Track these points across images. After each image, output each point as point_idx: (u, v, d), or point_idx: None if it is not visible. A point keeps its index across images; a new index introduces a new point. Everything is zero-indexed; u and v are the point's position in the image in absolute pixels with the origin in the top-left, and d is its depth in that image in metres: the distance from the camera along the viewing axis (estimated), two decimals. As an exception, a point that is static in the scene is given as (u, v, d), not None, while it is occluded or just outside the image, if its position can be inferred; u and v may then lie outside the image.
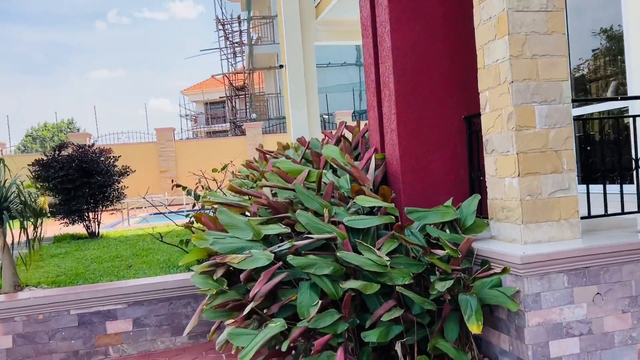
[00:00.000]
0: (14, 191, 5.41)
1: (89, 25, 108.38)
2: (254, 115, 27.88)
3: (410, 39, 4.01)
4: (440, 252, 3.26)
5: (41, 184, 9.91)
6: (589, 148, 4.20)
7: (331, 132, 5.15)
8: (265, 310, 3.26)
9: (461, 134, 4.06)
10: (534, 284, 3.08)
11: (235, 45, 28.60)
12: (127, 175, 10.93)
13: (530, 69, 3.29)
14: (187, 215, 6.03)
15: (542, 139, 3.31)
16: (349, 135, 5.05)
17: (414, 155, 3.99)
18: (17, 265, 5.62)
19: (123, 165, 11.00)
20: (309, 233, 3.43)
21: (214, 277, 3.36)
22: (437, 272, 3.26)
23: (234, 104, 30.47)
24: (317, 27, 10.90)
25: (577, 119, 3.83)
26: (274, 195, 4.07)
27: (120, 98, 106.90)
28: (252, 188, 4.67)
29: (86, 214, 10.27)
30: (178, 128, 31.66)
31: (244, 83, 29.61)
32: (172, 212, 6.99)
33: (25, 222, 5.30)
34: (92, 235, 10.29)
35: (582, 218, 3.46)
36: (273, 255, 3.26)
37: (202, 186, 6.51)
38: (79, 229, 10.56)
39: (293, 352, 3.41)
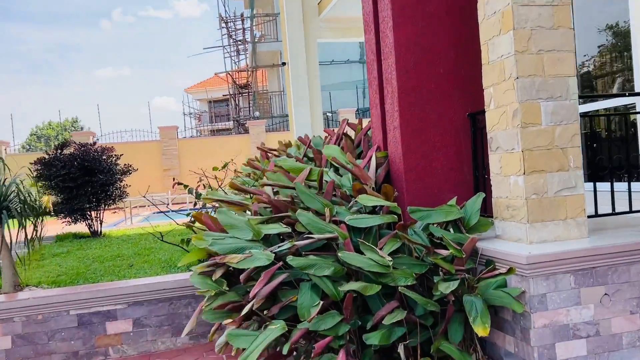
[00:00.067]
0: (14, 190, 5.37)
1: (94, 24, 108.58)
2: (257, 113, 27.85)
3: (413, 34, 3.94)
4: (443, 252, 3.19)
5: (43, 182, 9.89)
6: (595, 145, 4.13)
7: (334, 130, 5.09)
8: (265, 312, 3.20)
9: (465, 131, 3.99)
10: (539, 285, 3.01)
11: (239, 43, 28.57)
12: (130, 173, 10.90)
13: (535, 65, 3.22)
14: (187, 215, 5.98)
15: (548, 136, 3.23)
16: (351, 133, 4.99)
17: (417, 153, 3.92)
18: (18, 264, 5.58)
19: (125, 164, 10.97)
20: (310, 233, 3.37)
21: (213, 278, 3.31)
22: (440, 273, 3.19)
23: (237, 102, 30.43)
24: (319, 24, 10.82)
25: (583, 115, 3.75)
26: (276, 193, 4.01)
27: (125, 96, 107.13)
28: (254, 187, 4.61)
29: (88, 213, 10.24)
30: (182, 126, 31.61)
31: (248, 81, 29.57)
32: (173, 211, 6.95)
33: (24, 222, 5.25)
34: (95, 234, 10.26)
35: (589, 217, 3.39)
36: (273, 255, 3.21)
37: (203, 185, 6.46)
38: (81, 227, 10.54)
39: (294, 353, 3.35)
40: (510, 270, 3.07)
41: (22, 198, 5.32)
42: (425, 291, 3.31)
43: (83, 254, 7.65)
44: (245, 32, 28.17)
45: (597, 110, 5.71)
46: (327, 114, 25.24)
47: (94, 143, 10.87)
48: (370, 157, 4.09)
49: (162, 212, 6.62)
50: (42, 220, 5.45)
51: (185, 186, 6.21)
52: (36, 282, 5.72)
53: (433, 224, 3.47)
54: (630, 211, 3.61)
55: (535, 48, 3.21)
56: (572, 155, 3.28)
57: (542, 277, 3.01)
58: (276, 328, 2.94)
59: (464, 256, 3.19)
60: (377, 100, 4.29)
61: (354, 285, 3.01)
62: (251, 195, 4.09)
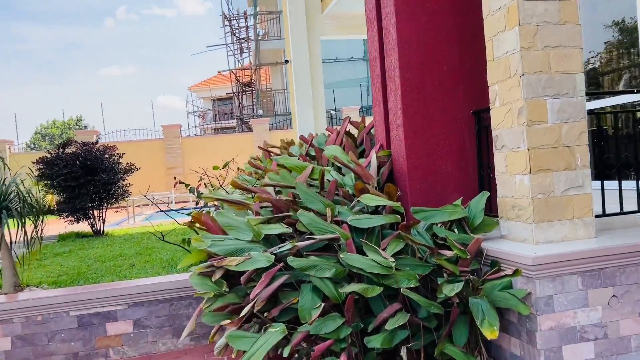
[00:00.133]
0: (14, 190, 5.33)
1: (98, 23, 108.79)
2: (260, 112, 27.79)
3: (416, 31, 3.87)
4: (448, 253, 3.13)
5: (45, 182, 9.86)
6: (602, 143, 4.05)
7: (336, 128, 5.02)
8: (265, 314, 3.14)
9: (470, 129, 3.92)
10: (546, 286, 2.94)
11: (242, 41, 28.51)
12: (132, 172, 10.87)
13: (542, 61, 3.14)
14: (189, 214, 5.92)
15: (555, 134, 3.16)
16: (354, 132, 4.92)
17: (420, 151, 3.85)
18: (18, 265, 5.54)
19: (128, 163, 10.94)
20: (312, 233, 3.31)
21: (213, 279, 3.24)
22: (444, 274, 3.12)
23: (240, 100, 30.38)
24: (323, 20, 10.72)
25: (589, 113, 3.67)
26: (278, 192, 3.95)
27: (129, 95, 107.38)
28: (256, 186, 4.55)
29: (91, 212, 10.22)
30: (186, 125, 31.70)
31: (251, 79, 29.51)
32: (176, 210, 6.89)
33: (24, 221, 5.21)
34: (97, 233, 10.24)
35: (596, 216, 3.31)
36: (273, 257, 3.14)
37: (204, 184, 6.40)
38: (84, 227, 10.52)
39: (296, 355, 3.29)
40: (516, 272, 3.00)
41: (22, 197, 5.28)
42: (428, 293, 3.24)
43: (85, 254, 7.62)
44: (248, 30, 28.12)
45: (604, 108, 5.63)
46: (331, 111, 25.17)
47: (96, 142, 10.85)
48: (374, 156, 4.03)
49: (162, 211, 6.56)
50: (42, 220, 5.41)
51: (187, 185, 6.16)
52: (37, 282, 5.69)
53: (437, 224, 3.41)
54: (639, 210, 3.53)
55: (541, 44, 3.14)
56: (579, 154, 3.20)
57: (548, 278, 2.94)
58: (276, 331, 2.88)
59: (468, 257, 3.12)
60: (380, 97, 4.22)
61: (355, 287, 2.95)
62: (253, 194, 4.04)
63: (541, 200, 3.12)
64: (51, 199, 13.03)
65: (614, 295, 3.05)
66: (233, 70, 28.76)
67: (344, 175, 3.98)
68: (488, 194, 3.50)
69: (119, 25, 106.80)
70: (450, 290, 2.90)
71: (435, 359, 3.09)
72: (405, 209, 3.66)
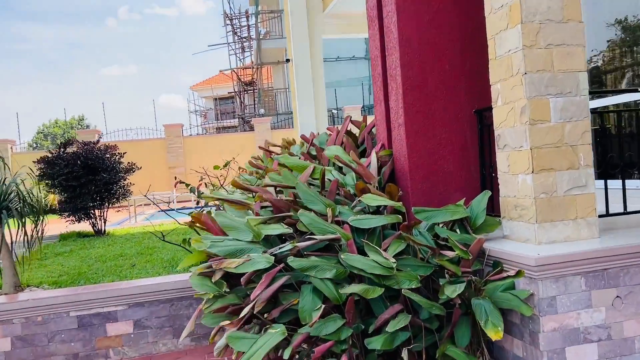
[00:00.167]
0: (14, 189, 5.31)
1: (100, 22, 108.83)
2: (262, 111, 27.76)
3: (417, 29, 3.84)
4: (449, 254, 3.09)
5: (46, 181, 9.85)
6: (605, 142, 4.01)
7: (338, 127, 4.99)
8: (265, 315, 3.12)
9: (472, 129, 3.88)
10: (549, 287, 2.91)
11: (244, 40, 28.47)
12: (133, 172, 10.85)
13: (544, 60, 3.11)
14: (189, 214, 5.90)
15: (558, 133, 3.13)
16: (355, 131, 4.89)
17: (422, 151, 3.83)
18: (19, 265, 5.52)
19: (129, 162, 10.92)
20: (312, 233, 3.28)
21: (213, 280, 3.21)
22: (446, 275, 3.09)
23: (242, 99, 30.35)
24: (324, 19, 10.69)
25: (592, 112, 3.64)
26: (279, 192, 3.92)
27: (131, 94, 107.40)
28: (257, 185, 4.52)
29: (92, 212, 10.20)
30: (187, 124, 31.66)
31: (253, 78, 29.48)
32: (177, 210, 6.87)
33: (24, 221, 5.19)
34: (99, 233, 10.22)
35: (599, 216, 3.27)
36: (273, 257, 3.11)
37: (205, 183, 6.38)
38: (85, 226, 10.51)
39: (296, 356, 3.26)
40: (519, 273, 2.97)
41: (22, 197, 5.26)
42: (430, 293, 3.22)
43: (86, 253, 7.60)
44: (250, 29, 28.07)
45: (607, 107, 5.58)
46: (333, 110, 25.12)
47: (97, 141, 10.83)
48: (374, 156, 4.00)
49: (163, 210, 6.54)
50: (42, 220, 5.39)
51: (187, 185, 6.14)
52: (38, 282, 5.67)
53: (438, 224, 3.38)
54: (643, 210, 3.50)
55: (544, 42, 3.11)
56: (582, 153, 3.17)
57: (551, 279, 2.91)
58: (276, 332, 2.86)
59: (470, 257, 3.09)
60: (382, 96, 4.19)
61: (355, 288, 2.92)
62: (253, 194, 4.01)
63: (544, 200, 3.09)
64: (53, 199, 13.03)
65: (617, 296, 3.01)
66: (235, 70, 28.72)
67: (345, 174, 3.95)
68: (490, 194, 3.47)
69: (120, 24, 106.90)
70: (452, 291, 2.87)
71: (437, 360, 3.07)
72: (407, 208, 3.63)
